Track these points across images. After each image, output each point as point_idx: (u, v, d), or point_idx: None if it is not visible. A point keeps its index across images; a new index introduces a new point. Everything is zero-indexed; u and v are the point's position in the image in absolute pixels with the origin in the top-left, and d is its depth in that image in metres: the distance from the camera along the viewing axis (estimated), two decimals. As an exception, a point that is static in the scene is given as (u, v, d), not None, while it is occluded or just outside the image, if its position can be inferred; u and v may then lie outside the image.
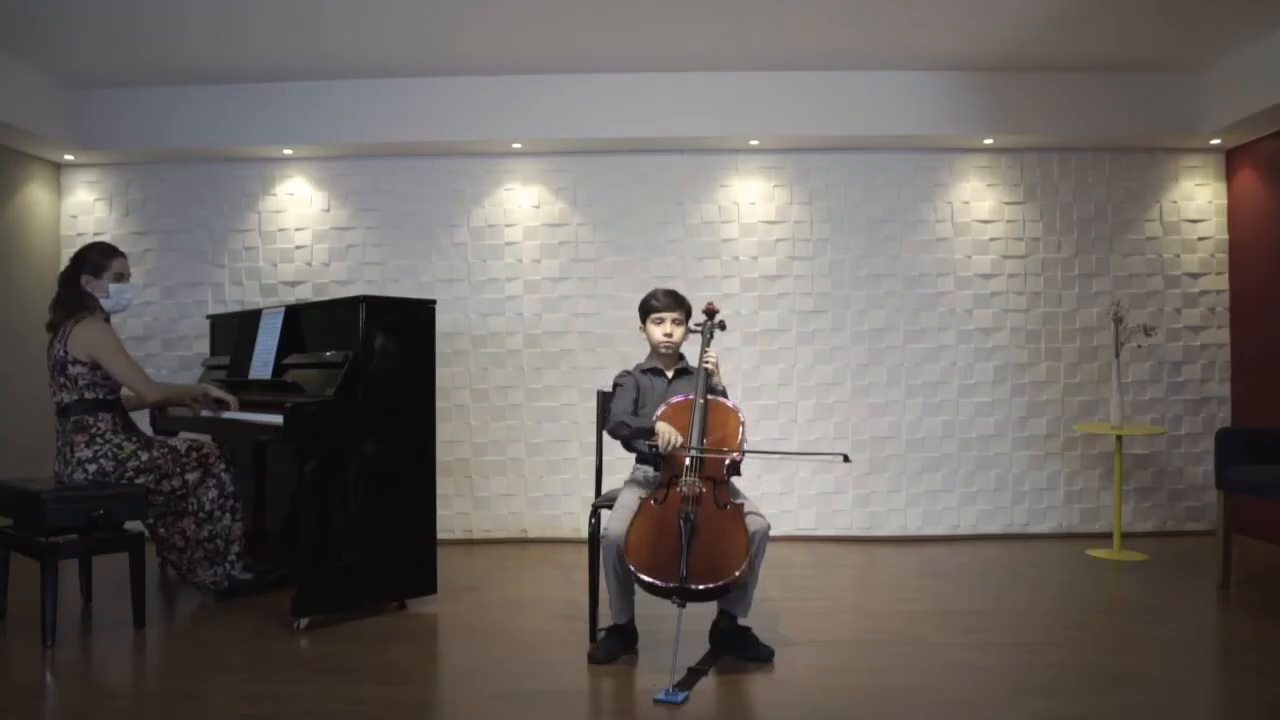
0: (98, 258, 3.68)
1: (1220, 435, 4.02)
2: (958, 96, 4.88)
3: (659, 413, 3.14)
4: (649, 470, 3.25)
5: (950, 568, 4.43)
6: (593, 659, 3.05)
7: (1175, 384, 5.12)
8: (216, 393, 3.78)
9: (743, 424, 3.11)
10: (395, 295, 4.53)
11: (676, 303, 3.35)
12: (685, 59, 4.75)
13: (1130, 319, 4.80)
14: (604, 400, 3.48)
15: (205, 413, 3.85)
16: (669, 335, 3.33)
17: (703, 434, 3.03)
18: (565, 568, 4.43)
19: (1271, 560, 4.47)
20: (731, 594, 2.98)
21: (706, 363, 3.16)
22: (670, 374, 3.38)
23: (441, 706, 2.81)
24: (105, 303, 3.68)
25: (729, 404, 3.16)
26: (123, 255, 3.75)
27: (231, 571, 3.76)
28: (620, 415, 3.27)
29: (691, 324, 3.39)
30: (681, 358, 3.42)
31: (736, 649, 3.09)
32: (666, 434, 3.03)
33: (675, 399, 3.17)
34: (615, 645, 3.10)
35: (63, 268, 3.75)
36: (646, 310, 3.38)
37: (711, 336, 3.31)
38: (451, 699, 2.86)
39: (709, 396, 3.13)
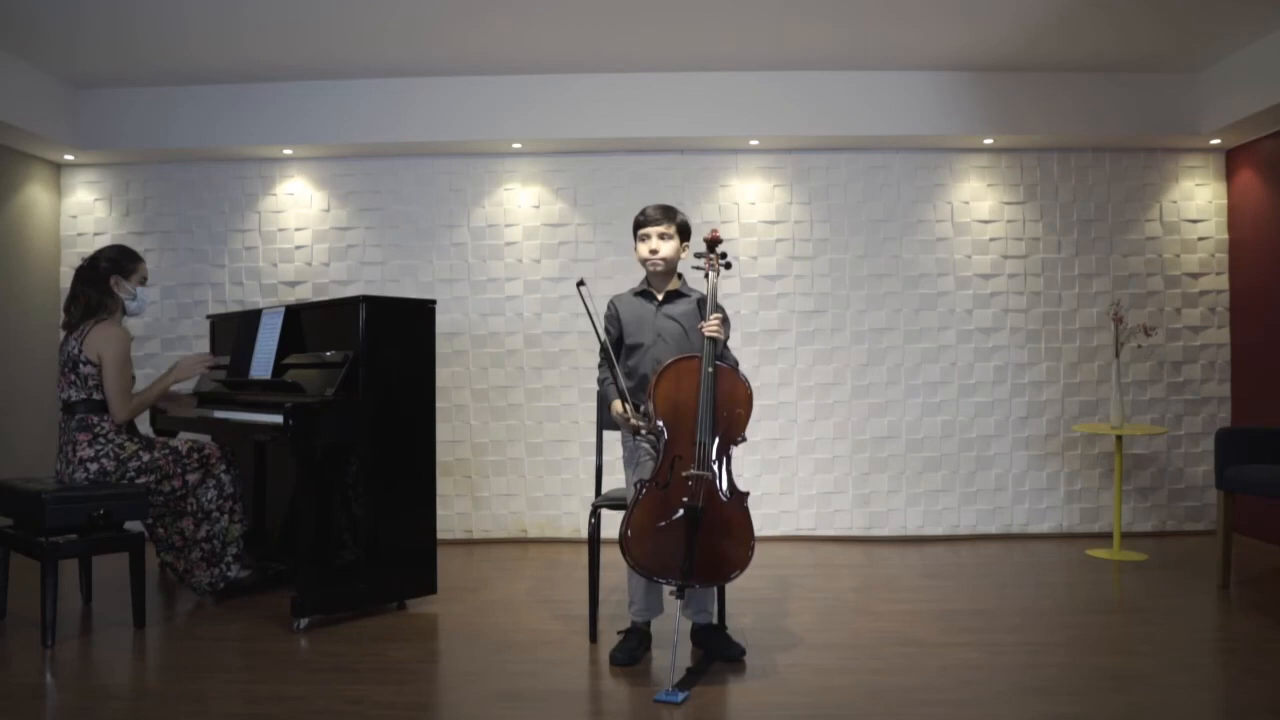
0: (126, 260, 3.72)
1: (1220, 435, 4.02)
2: (958, 96, 4.88)
3: (658, 376, 2.89)
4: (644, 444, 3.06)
5: (950, 568, 4.43)
6: (614, 660, 3.01)
7: (1175, 384, 5.12)
8: (200, 367, 3.85)
9: (751, 396, 2.92)
10: (395, 295, 4.54)
11: (663, 214, 3.09)
12: (685, 59, 4.75)
13: (1130, 319, 4.80)
14: (603, 402, 3.37)
15: (197, 412, 3.89)
16: (654, 251, 3.08)
17: (712, 412, 2.84)
18: (565, 568, 4.43)
19: (1271, 560, 4.47)
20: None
21: (710, 332, 2.88)
22: (661, 296, 3.14)
23: (441, 706, 2.81)
24: (130, 305, 3.71)
25: (738, 375, 2.94)
26: (143, 260, 3.81)
27: (228, 573, 3.76)
28: (605, 375, 3.10)
29: (692, 259, 3.09)
30: (677, 277, 3.18)
31: (713, 647, 3.09)
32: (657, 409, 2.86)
33: (676, 361, 2.90)
34: (636, 645, 3.06)
35: (78, 266, 3.74)
36: (635, 226, 3.15)
37: (718, 274, 3.01)
38: (451, 699, 2.86)
39: (717, 364, 2.87)
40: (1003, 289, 5.14)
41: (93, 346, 3.54)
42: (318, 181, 5.25)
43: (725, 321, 2.96)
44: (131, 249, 3.80)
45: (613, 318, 3.20)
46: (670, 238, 3.10)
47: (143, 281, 3.76)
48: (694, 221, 5.08)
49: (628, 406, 2.98)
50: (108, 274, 3.65)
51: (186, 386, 4.23)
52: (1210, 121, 4.79)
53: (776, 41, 4.51)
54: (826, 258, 5.13)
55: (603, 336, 3.06)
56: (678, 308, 3.13)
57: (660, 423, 2.88)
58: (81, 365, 3.54)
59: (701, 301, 3.07)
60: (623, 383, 3.01)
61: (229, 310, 5.06)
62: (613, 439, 3.42)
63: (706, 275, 3.02)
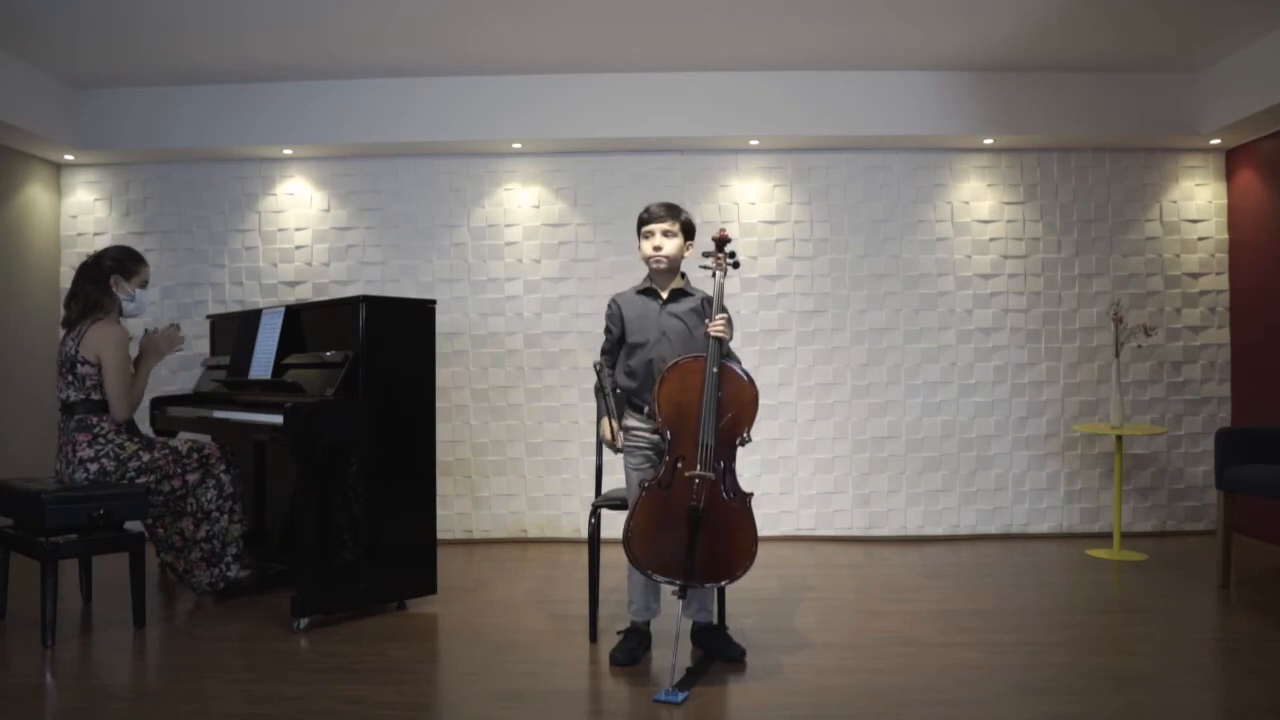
0: (130, 261, 3.74)
1: (1220, 435, 4.02)
2: (958, 96, 4.88)
3: (662, 377, 2.87)
4: (648, 439, 3.05)
5: (950, 568, 4.43)
6: (614, 660, 3.00)
7: (1175, 384, 5.12)
8: (170, 339, 3.88)
9: (756, 396, 2.89)
10: (395, 295, 4.54)
11: (667, 212, 3.07)
12: (685, 59, 4.75)
13: (1130, 319, 4.80)
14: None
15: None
16: (658, 248, 3.04)
17: (716, 412, 2.82)
18: (565, 568, 4.43)
19: (1271, 560, 4.47)
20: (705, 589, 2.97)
21: (715, 332, 2.86)
22: (665, 294, 3.09)
23: (441, 706, 2.81)
24: (128, 306, 3.72)
25: (742, 375, 2.90)
26: (147, 263, 3.82)
27: (227, 574, 3.76)
28: (604, 377, 3.10)
29: (699, 257, 3.05)
30: (681, 276, 3.14)
31: (714, 647, 3.09)
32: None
33: (681, 361, 2.89)
34: (636, 645, 3.05)
35: (82, 262, 3.75)
36: (638, 224, 3.11)
37: (725, 274, 2.98)
38: (451, 699, 2.86)
39: (721, 363, 2.85)
40: (1003, 289, 5.14)
41: (90, 347, 3.54)
42: (318, 181, 5.25)
43: (729, 323, 2.93)
44: (137, 252, 3.81)
45: (615, 316, 3.16)
46: (674, 235, 3.06)
47: (143, 285, 3.77)
48: (695, 222, 5.08)
49: (613, 424, 3.05)
50: (109, 273, 3.66)
51: (185, 386, 4.23)
52: (1210, 121, 4.79)
53: (776, 41, 4.51)
54: (826, 258, 5.13)
55: (609, 408, 3.10)
56: (682, 306, 3.09)
57: (662, 419, 2.88)
58: (79, 365, 3.54)
59: (706, 301, 3.06)
60: (612, 403, 3.07)
61: (229, 310, 5.06)
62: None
63: (714, 274, 3.00)
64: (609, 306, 3.19)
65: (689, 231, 3.12)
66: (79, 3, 3.95)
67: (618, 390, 3.12)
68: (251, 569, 3.83)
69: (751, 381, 2.91)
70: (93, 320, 3.60)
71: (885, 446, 5.10)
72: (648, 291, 3.13)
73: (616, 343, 3.17)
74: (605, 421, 3.08)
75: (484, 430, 5.13)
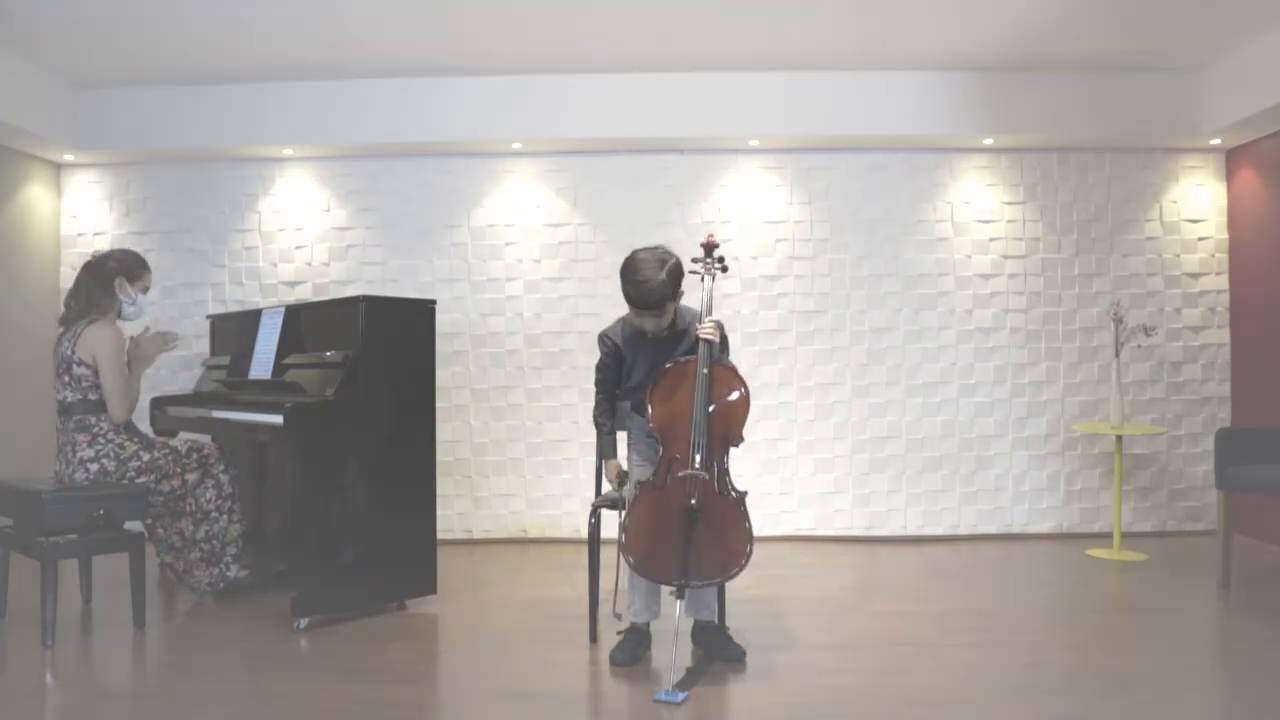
0: (136, 266, 3.75)
1: (1220, 435, 4.02)
2: (958, 96, 4.88)
3: (657, 381, 2.91)
4: (646, 441, 3.09)
5: (950, 568, 4.43)
6: (614, 660, 3.00)
7: (1175, 384, 5.12)
8: (159, 344, 3.85)
9: (747, 397, 2.90)
10: (395, 295, 4.54)
11: (658, 294, 2.87)
12: (685, 59, 4.75)
13: (1130, 319, 4.80)
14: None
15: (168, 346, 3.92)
16: (653, 328, 2.99)
17: (707, 414, 2.83)
18: (565, 568, 4.43)
19: (1271, 560, 4.47)
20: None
21: (704, 335, 2.88)
22: (661, 340, 3.07)
23: (441, 706, 2.81)
24: (128, 309, 3.72)
25: (735, 377, 2.93)
26: (151, 270, 3.83)
27: (227, 573, 3.76)
28: (599, 413, 3.17)
29: (689, 263, 3.02)
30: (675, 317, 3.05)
31: (714, 647, 3.09)
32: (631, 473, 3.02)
33: (673, 365, 2.91)
34: (636, 646, 3.06)
35: (87, 260, 3.75)
36: (624, 296, 2.96)
37: (714, 279, 2.98)
38: (451, 699, 2.86)
39: (712, 364, 2.87)
40: (1003, 289, 5.13)
41: (86, 348, 3.54)
42: (318, 181, 5.25)
43: (718, 326, 2.93)
44: (142, 257, 3.82)
45: (613, 353, 3.11)
46: (666, 313, 2.96)
47: (144, 290, 3.78)
48: (693, 222, 5.12)
49: (618, 466, 3.15)
50: (114, 274, 3.67)
51: (185, 386, 4.22)
52: (1210, 121, 4.79)
53: (777, 41, 4.51)
54: (826, 258, 5.13)
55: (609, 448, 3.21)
56: (680, 347, 3.04)
57: (655, 421, 2.90)
58: (75, 366, 3.54)
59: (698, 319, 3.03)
60: (606, 445, 3.18)
61: (229, 310, 5.06)
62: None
63: (703, 279, 3.03)
64: (603, 342, 3.14)
65: (677, 285, 2.93)
66: (79, 3, 3.95)
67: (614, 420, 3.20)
68: (251, 569, 3.83)
69: (744, 383, 2.93)
70: (89, 321, 3.59)
71: (885, 446, 5.10)
72: (642, 337, 3.06)
73: (615, 378, 3.14)
74: (610, 464, 3.17)
75: (484, 430, 5.13)
